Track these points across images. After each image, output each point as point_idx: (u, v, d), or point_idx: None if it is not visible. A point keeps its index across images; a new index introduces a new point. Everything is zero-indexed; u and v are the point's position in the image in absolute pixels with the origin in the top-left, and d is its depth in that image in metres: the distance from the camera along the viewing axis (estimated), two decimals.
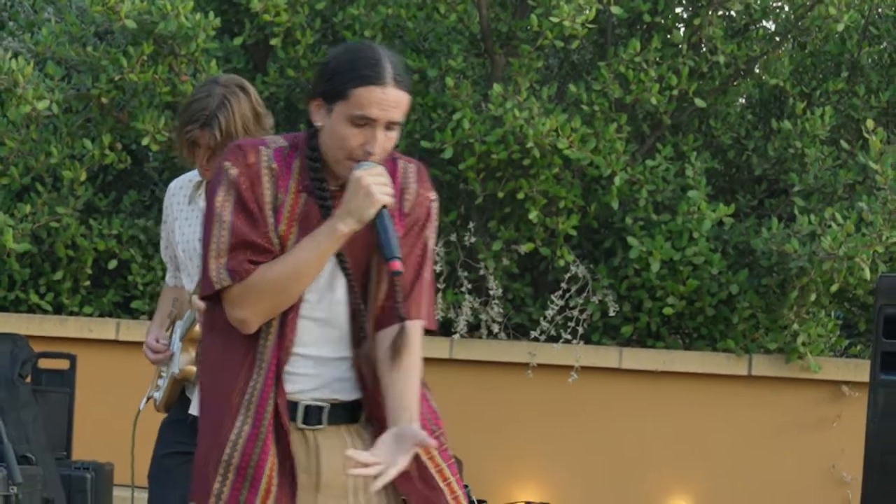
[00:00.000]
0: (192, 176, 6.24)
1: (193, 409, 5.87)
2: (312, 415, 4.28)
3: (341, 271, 4.30)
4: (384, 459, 4.09)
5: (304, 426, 4.27)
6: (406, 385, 4.30)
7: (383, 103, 4.18)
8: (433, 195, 4.38)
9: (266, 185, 4.20)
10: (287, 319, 4.25)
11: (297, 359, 4.29)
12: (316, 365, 4.30)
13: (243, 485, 4.21)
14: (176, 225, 6.02)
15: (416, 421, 4.21)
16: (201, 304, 5.58)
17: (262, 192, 4.20)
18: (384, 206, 4.12)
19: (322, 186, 4.25)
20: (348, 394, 4.31)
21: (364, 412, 4.37)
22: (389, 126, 4.20)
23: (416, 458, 4.29)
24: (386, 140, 4.20)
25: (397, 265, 4.16)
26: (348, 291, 4.31)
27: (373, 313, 4.36)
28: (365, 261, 4.32)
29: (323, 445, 4.30)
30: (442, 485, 4.34)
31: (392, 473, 4.09)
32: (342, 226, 4.11)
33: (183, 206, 6.05)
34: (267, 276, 4.16)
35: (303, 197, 4.21)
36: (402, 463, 4.10)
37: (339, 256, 4.28)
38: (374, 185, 4.11)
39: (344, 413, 4.32)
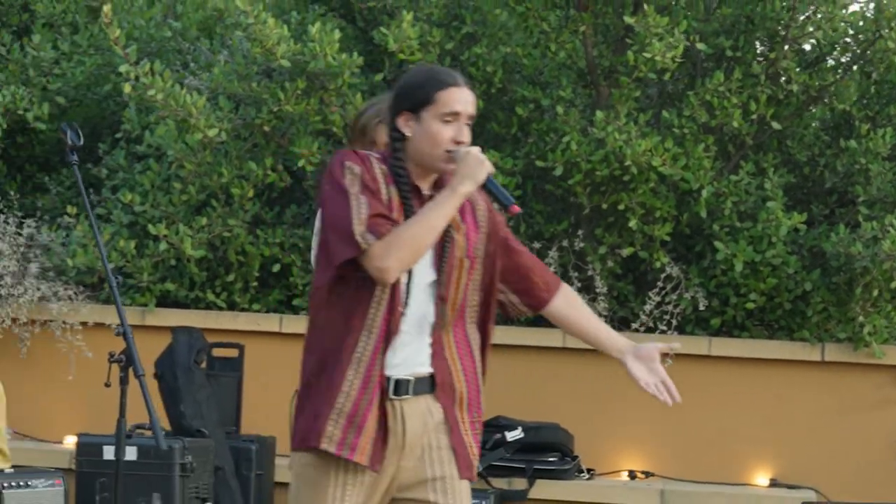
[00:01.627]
0: None
1: None
2: (401, 387, 4.56)
3: (435, 271, 4.61)
4: (656, 376, 4.67)
5: (393, 397, 4.55)
6: (592, 320, 4.81)
7: (463, 100, 4.56)
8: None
9: (380, 181, 4.53)
10: (396, 292, 4.53)
11: (404, 340, 4.57)
12: (403, 345, 4.58)
13: (350, 430, 4.47)
14: None
15: (616, 335, 4.79)
16: None
17: (379, 186, 4.50)
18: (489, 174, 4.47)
19: (406, 186, 4.56)
20: (426, 369, 4.61)
21: (436, 384, 4.64)
22: (468, 121, 4.58)
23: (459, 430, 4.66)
24: (467, 134, 4.57)
25: (517, 208, 4.51)
26: (434, 290, 4.62)
27: (454, 308, 4.66)
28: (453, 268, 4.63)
29: (407, 413, 4.57)
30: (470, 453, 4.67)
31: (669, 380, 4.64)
32: (461, 187, 4.47)
33: None
34: (403, 233, 4.43)
35: (395, 193, 4.53)
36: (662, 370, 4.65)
37: (441, 264, 4.60)
38: (477, 156, 4.50)
39: (423, 385, 4.61)
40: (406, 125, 4.63)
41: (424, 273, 4.63)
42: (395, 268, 4.46)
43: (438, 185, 4.65)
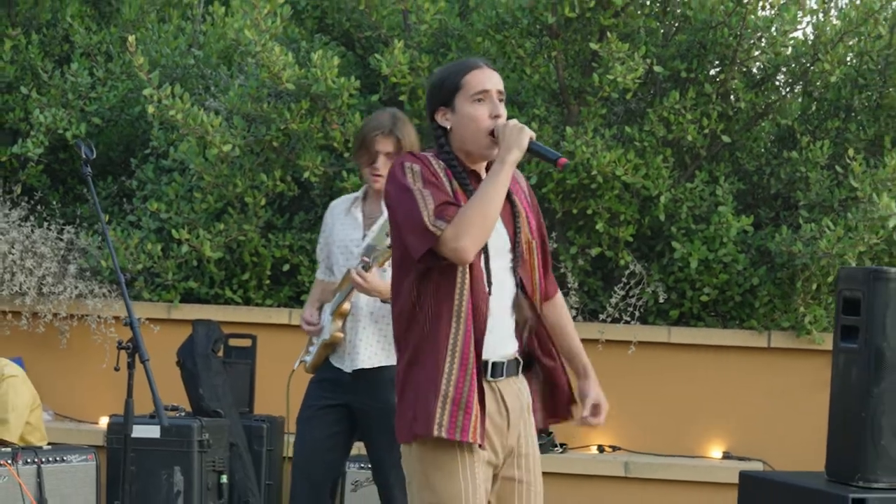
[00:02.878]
0: (350, 196, 6.73)
1: (343, 365, 6.34)
2: (497, 369, 4.48)
3: (511, 259, 4.57)
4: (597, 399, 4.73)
5: (490, 379, 4.47)
6: (572, 328, 4.76)
7: (489, 78, 4.47)
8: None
9: (441, 175, 4.45)
10: (478, 277, 4.44)
11: (492, 324, 4.48)
12: (493, 328, 4.48)
13: (458, 412, 4.35)
14: (334, 229, 6.52)
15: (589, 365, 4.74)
16: (356, 276, 6.21)
17: (441, 179, 4.42)
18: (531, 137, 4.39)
19: (463, 175, 4.49)
20: (513, 351, 4.55)
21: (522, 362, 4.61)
22: (500, 96, 4.49)
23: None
24: (503, 108, 4.49)
25: (564, 160, 4.45)
26: (512, 273, 4.56)
27: (534, 289, 4.62)
28: (526, 254, 4.60)
29: (505, 392, 4.51)
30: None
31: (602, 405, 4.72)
32: (509, 156, 4.34)
33: (340, 216, 6.42)
34: (468, 211, 4.32)
35: (452, 180, 4.45)
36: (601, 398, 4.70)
37: (515, 252, 4.57)
38: (521, 126, 4.40)
39: (513, 366, 4.55)
40: (444, 119, 4.56)
41: (501, 257, 4.56)
42: (470, 245, 4.34)
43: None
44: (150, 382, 4.89)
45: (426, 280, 4.45)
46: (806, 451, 8.56)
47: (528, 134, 4.42)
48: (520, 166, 8.66)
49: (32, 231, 9.50)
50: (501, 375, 4.52)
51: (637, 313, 9.03)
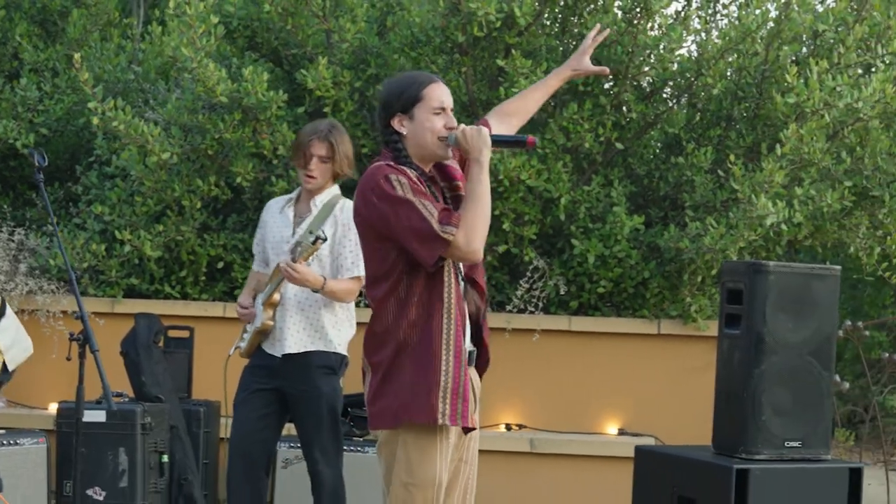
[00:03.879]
0: (285, 197, 6.74)
1: (273, 350, 6.41)
2: (471, 358, 4.59)
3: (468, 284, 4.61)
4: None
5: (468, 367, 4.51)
6: (531, 89, 5.00)
7: (445, 93, 4.56)
8: None
9: (419, 183, 4.47)
10: (454, 285, 4.47)
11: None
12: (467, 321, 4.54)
13: (457, 401, 4.39)
14: (268, 226, 6.56)
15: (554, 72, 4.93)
16: (286, 268, 6.19)
17: (424, 188, 4.45)
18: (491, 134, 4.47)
19: (423, 177, 4.51)
20: (471, 345, 4.63)
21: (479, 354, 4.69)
22: (451, 110, 4.58)
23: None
24: (453, 120, 4.56)
25: (532, 139, 4.57)
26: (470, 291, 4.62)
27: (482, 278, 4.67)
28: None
29: (474, 381, 4.61)
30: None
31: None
32: (482, 157, 4.43)
33: (275, 215, 6.46)
34: (470, 214, 4.35)
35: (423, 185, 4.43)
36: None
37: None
38: (480, 128, 4.47)
39: (473, 355, 4.65)
40: (401, 125, 4.57)
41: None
42: (481, 246, 4.41)
43: (437, 167, 4.62)
44: (100, 371, 4.87)
45: (414, 280, 4.45)
46: (693, 427, 8.53)
47: (486, 132, 4.50)
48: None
49: None
50: (470, 364, 4.61)
51: (540, 304, 9.05)
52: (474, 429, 4.51)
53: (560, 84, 5.04)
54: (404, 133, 4.57)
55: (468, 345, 4.61)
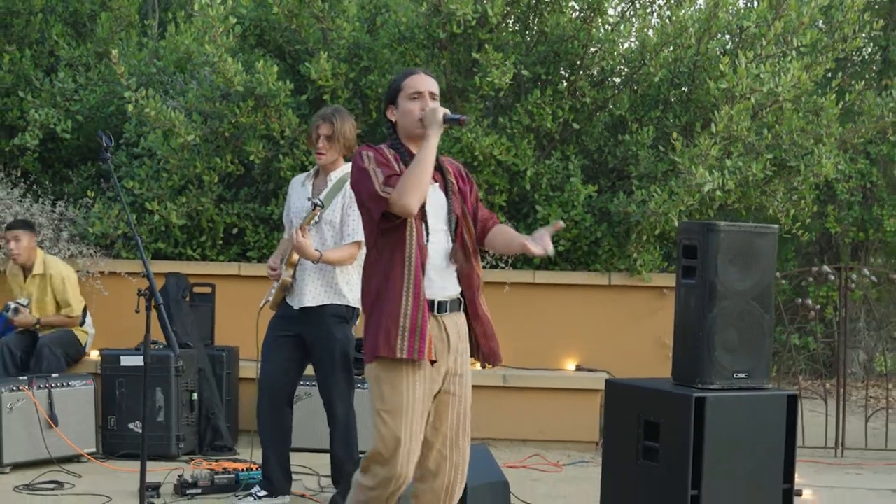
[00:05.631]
0: (307, 173, 6.73)
1: (293, 303, 6.34)
2: (442, 307, 4.49)
3: (447, 221, 4.57)
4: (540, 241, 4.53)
5: (437, 314, 4.49)
6: (508, 233, 4.70)
7: (422, 81, 4.54)
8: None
9: (391, 158, 4.48)
10: (419, 233, 4.46)
11: (429, 269, 4.47)
12: (438, 273, 4.51)
13: (415, 339, 4.37)
14: (291, 199, 6.56)
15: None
16: (295, 233, 6.15)
17: (390, 161, 4.45)
18: (444, 115, 4.43)
19: (407, 156, 4.52)
20: (455, 292, 4.57)
21: (464, 301, 4.63)
22: (433, 96, 4.57)
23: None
24: (433, 104, 4.55)
25: (464, 118, 4.51)
26: (450, 230, 4.56)
27: (465, 243, 4.60)
28: (461, 217, 4.60)
29: (448, 326, 4.53)
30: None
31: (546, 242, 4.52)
32: (430, 131, 4.43)
33: (297, 188, 6.39)
34: (407, 176, 4.35)
35: (400, 162, 4.47)
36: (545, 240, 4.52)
37: (450, 216, 4.56)
38: (436, 108, 4.44)
39: (455, 304, 4.57)
40: (392, 114, 4.61)
41: (439, 221, 4.57)
42: (413, 201, 4.37)
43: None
44: (163, 319, 4.80)
45: (384, 237, 4.47)
46: (638, 363, 8.76)
47: (441, 111, 4.48)
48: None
49: (31, 205, 9.33)
50: (445, 311, 4.53)
51: (509, 261, 9.08)
52: (435, 361, 4.47)
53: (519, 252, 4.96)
54: (394, 120, 4.60)
55: (444, 293, 4.55)
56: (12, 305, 8.18)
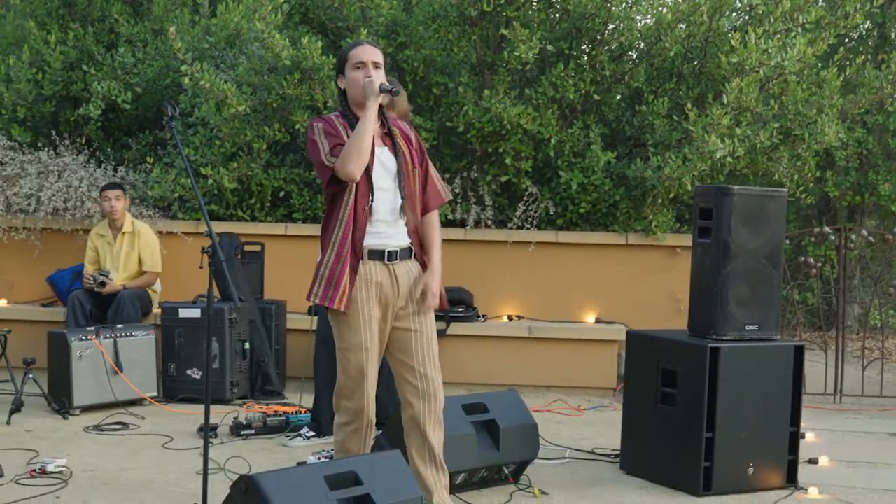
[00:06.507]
0: None
1: None
2: (393, 255, 4.61)
3: (397, 180, 4.63)
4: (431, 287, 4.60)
5: (388, 262, 4.61)
6: (433, 247, 4.73)
7: (365, 52, 4.57)
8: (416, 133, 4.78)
9: (339, 128, 4.54)
10: (357, 199, 4.52)
11: (379, 223, 4.58)
12: (388, 226, 4.62)
13: (329, 288, 4.53)
14: None
15: (437, 264, 4.66)
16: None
17: (338, 130, 4.53)
18: (381, 85, 4.48)
19: (354, 122, 4.57)
20: (406, 242, 4.66)
21: (414, 251, 4.72)
22: (376, 65, 4.60)
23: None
24: (377, 73, 4.58)
25: (395, 89, 4.55)
26: (399, 188, 4.63)
27: (414, 201, 4.67)
28: (408, 177, 4.65)
29: (398, 272, 4.63)
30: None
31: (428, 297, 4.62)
32: (369, 102, 4.49)
33: None
34: (349, 145, 4.44)
35: (348, 129, 4.52)
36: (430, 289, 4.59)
37: (399, 176, 4.60)
38: (372, 79, 4.48)
39: (406, 252, 4.67)
40: (341, 82, 4.67)
41: (388, 181, 4.62)
42: (354, 168, 4.46)
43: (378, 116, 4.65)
44: (225, 275, 4.80)
45: (332, 199, 4.59)
46: (652, 316, 8.78)
47: (377, 82, 4.53)
48: (450, 118, 8.70)
49: (94, 171, 9.33)
50: (396, 260, 4.64)
51: (534, 222, 9.06)
52: (345, 311, 4.55)
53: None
54: (343, 87, 4.66)
55: (393, 243, 4.62)
56: (99, 278, 8.21)
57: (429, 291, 4.66)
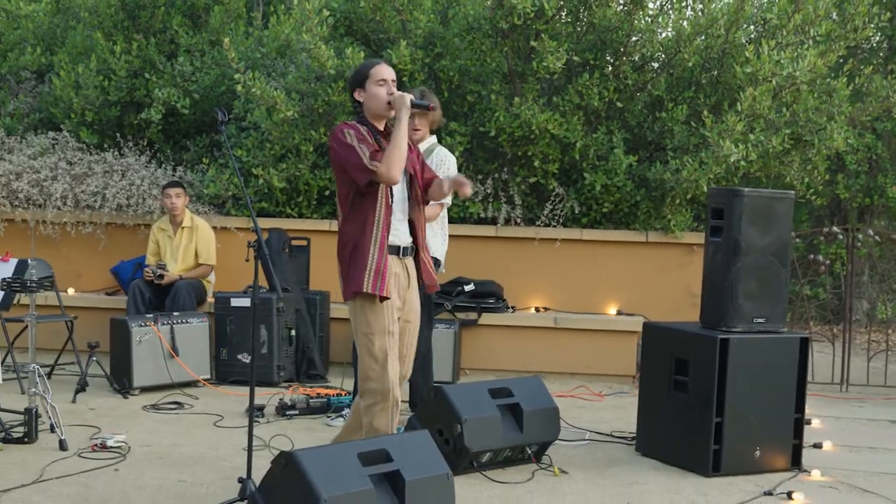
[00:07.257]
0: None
1: None
2: (406, 251, 4.77)
3: (407, 185, 4.78)
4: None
5: (402, 257, 4.77)
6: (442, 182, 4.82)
7: (387, 71, 4.69)
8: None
9: (366, 134, 4.65)
10: (386, 196, 4.65)
11: (395, 222, 4.73)
12: (400, 224, 4.76)
13: (378, 278, 4.62)
14: None
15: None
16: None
17: (366, 136, 4.64)
18: (411, 101, 4.61)
19: (375, 132, 4.69)
20: (411, 241, 4.82)
21: (417, 247, 4.86)
22: (394, 83, 4.73)
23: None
24: (395, 89, 4.72)
25: (432, 105, 4.73)
26: (408, 192, 4.78)
27: (418, 200, 4.83)
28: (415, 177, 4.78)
29: (408, 265, 4.80)
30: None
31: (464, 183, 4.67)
32: (401, 114, 4.61)
33: None
34: (390, 152, 4.55)
35: (371, 136, 4.63)
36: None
37: (410, 181, 4.76)
38: (403, 94, 4.59)
39: (411, 248, 4.82)
40: (360, 95, 4.74)
41: (401, 184, 4.75)
42: (396, 173, 4.57)
43: (388, 125, 4.76)
44: (269, 268, 4.87)
45: (359, 198, 4.65)
46: (669, 309, 8.75)
47: (407, 97, 4.65)
48: (483, 124, 8.69)
49: (155, 170, 9.43)
50: (407, 255, 4.79)
51: (561, 220, 9.05)
52: (388, 298, 4.66)
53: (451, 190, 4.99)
54: (362, 101, 4.72)
55: (404, 240, 4.76)
56: (158, 271, 8.30)
57: (458, 180, 4.75)
